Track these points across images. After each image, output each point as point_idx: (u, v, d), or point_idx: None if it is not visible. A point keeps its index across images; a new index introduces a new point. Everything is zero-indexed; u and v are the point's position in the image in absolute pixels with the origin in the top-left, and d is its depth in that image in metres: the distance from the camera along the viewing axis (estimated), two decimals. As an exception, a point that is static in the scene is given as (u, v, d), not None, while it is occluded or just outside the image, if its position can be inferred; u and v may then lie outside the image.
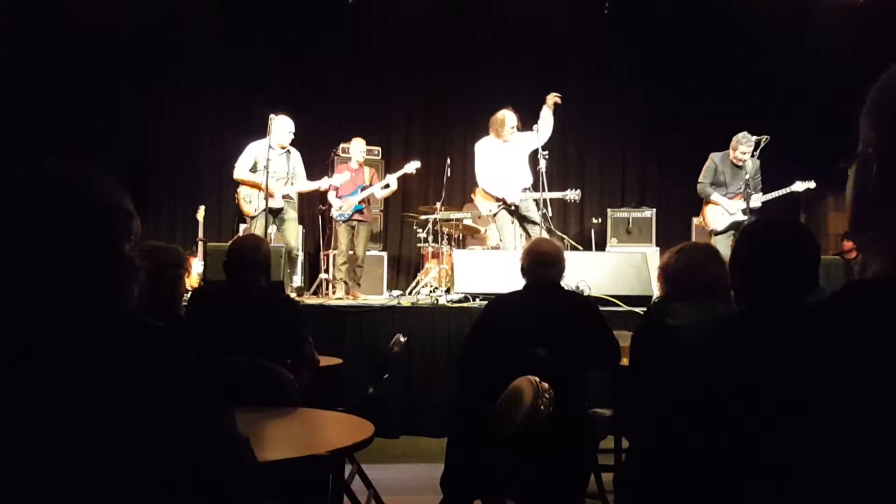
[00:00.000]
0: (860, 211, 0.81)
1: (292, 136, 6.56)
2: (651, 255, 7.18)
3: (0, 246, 1.05)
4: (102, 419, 1.01)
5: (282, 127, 6.47)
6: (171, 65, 8.16)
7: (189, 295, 3.44)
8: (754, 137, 6.51)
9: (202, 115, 8.17)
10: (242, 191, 6.49)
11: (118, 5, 7.70)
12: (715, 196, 6.62)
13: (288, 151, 6.59)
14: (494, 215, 6.60)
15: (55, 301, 1.05)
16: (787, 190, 6.63)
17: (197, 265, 6.79)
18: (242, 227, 7.61)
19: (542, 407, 1.92)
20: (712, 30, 8.61)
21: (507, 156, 6.49)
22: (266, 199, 6.26)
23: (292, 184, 6.60)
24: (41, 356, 1.02)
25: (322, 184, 6.90)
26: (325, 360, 3.75)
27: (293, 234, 6.60)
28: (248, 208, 6.47)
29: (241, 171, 6.47)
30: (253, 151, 6.46)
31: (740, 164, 6.57)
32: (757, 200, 6.54)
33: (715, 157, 6.69)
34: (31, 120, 7.20)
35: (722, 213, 6.61)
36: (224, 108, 8.00)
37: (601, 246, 8.17)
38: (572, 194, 6.51)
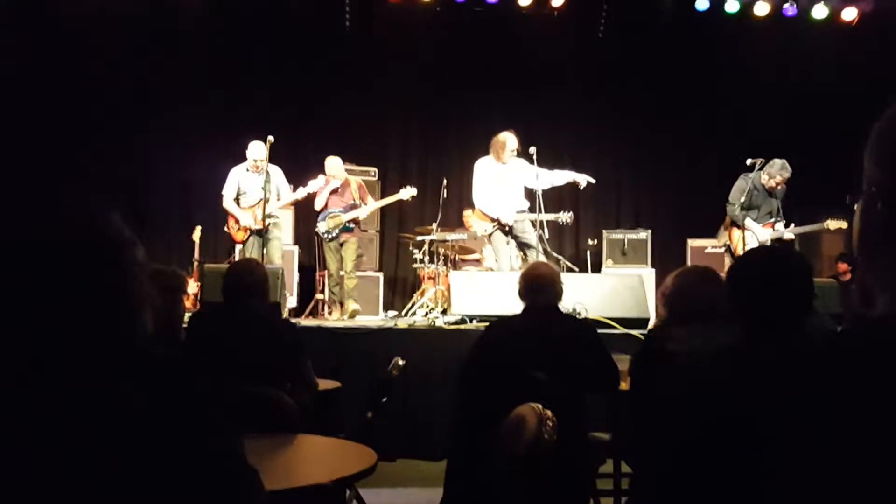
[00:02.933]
0: (866, 246, 0.82)
1: (264, 160, 6.58)
2: (647, 277, 7.19)
3: (12, 283, 1.06)
4: (116, 452, 1.01)
5: (250, 153, 6.67)
6: (169, 84, 8.18)
7: (189, 318, 3.43)
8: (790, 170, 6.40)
9: (198, 137, 8.17)
10: (231, 219, 6.80)
11: (104, 29, 7.73)
12: (748, 222, 6.45)
13: (266, 171, 6.65)
14: (489, 235, 6.62)
15: (70, 336, 1.06)
16: (820, 226, 6.56)
17: (192, 286, 6.77)
18: (238, 248, 7.62)
19: (545, 436, 1.92)
20: (708, 53, 8.68)
21: (504, 178, 6.51)
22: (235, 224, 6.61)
23: (278, 199, 6.77)
24: (57, 392, 1.02)
25: (299, 194, 6.92)
26: (324, 384, 3.75)
27: (276, 254, 6.76)
28: (237, 235, 6.78)
29: (226, 199, 6.77)
30: (235, 177, 6.75)
31: (773, 190, 6.49)
32: (790, 232, 6.48)
33: (748, 179, 6.45)
34: (21, 144, 7.17)
35: (751, 239, 6.44)
36: (220, 130, 8.00)
37: (597, 267, 8.18)
38: (564, 216, 6.53)
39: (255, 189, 6.68)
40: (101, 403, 1.03)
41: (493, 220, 6.49)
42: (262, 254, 6.71)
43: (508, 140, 6.45)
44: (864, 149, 0.84)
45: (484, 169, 6.58)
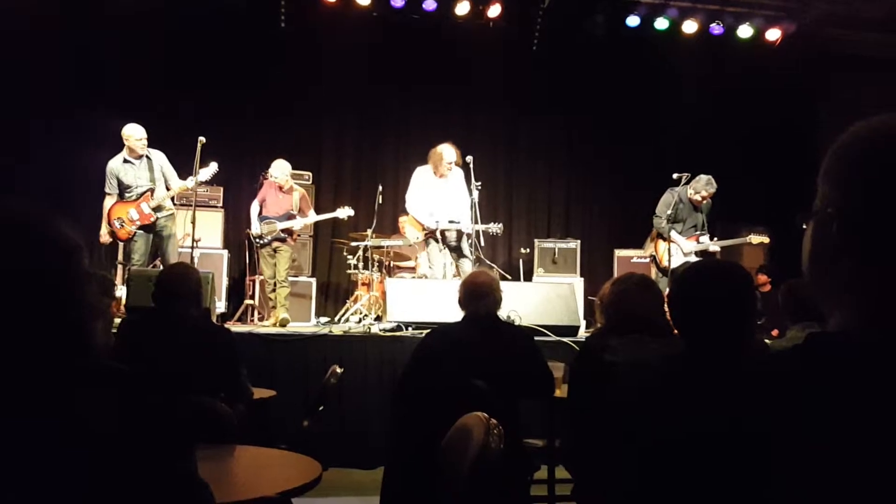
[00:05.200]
0: (819, 266, 0.85)
1: (144, 139, 6.16)
2: (576, 285, 7.33)
3: None
4: (73, 468, 0.97)
5: (128, 136, 6.12)
6: (99, 89, 7.88)
7: (119, 324, 3.30)
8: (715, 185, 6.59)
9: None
10: (111, 215, 6.19)
11: (37, 25, 7.40)
12: (674, 234, 6.62)
13: (147, 157, 6.17)
14: (423, 242, 6.63)
15: (21, 348, 1.00)
16: (743, 240, 6.80)
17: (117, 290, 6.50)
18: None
19: (492, 444, 1.92)
20: (637, 67, 8.91)
21: (440, 188, 6.53)
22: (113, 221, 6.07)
23: (167, 188, 6.18)
24: (9, 406, 0.97)
25: (189, 182, 6.19)
26: (258, 393, 3.67)
27: (173, 252, 6.24)
28: (122, 232, 6.15)
29: (107, 198, 6.17)
30: (112, 171, 6.16)
31: (699, 204, 6.71)
32: (715, 245, 6.71)
33: (675, 192, 6.65)
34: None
35: (676, 251, 6.63)
36: (149, 129, 7.75)
37: (528, 275, 8.29)
38: (495, 227, 6.59)
39: (138, 179, 6.11)
40: (56, 418, 0.99)
41: (424, 227, 6.51)
42: (159, 253, 6.22)
43: (445, 152, 6.46)
44: (819, 171, 0.87)
45: (421, 178, 6.58)
